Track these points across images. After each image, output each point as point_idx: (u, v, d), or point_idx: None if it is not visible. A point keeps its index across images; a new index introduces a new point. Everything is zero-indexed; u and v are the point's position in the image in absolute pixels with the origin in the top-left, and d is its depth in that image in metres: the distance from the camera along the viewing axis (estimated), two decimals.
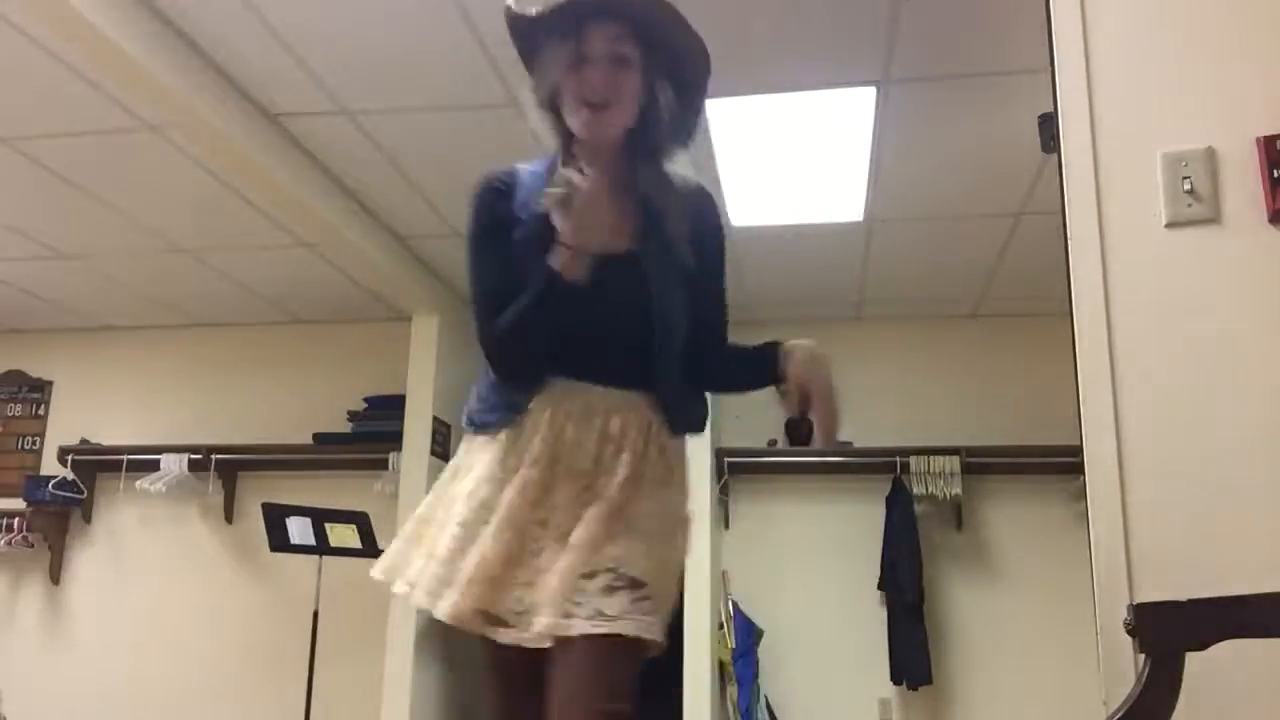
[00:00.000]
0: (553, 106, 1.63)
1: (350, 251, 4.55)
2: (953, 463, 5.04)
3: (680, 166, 1.72)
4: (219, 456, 5.51)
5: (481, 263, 1.64)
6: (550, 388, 1.58)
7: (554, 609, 1.45)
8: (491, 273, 1.61)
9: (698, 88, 1.68)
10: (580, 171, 1.54)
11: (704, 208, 1.74)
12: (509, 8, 1.64)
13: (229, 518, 5.67)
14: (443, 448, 5.08)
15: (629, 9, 1.60)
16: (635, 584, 1.47)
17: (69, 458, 5.66)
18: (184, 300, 5.64)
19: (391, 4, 3.12)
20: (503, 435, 1.58)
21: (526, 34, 1.64)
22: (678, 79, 1.64)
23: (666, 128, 1.63)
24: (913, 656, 4.90)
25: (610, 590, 1.45)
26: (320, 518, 4.59)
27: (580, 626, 1.42)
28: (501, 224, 1.62)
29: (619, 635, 1.43)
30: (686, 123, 1.69)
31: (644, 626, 1.45)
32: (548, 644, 1.45)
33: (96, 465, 5.76)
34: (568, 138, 1.63)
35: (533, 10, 1.61)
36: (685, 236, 1.64)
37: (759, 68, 3.37)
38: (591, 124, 1.59)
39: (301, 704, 4.48)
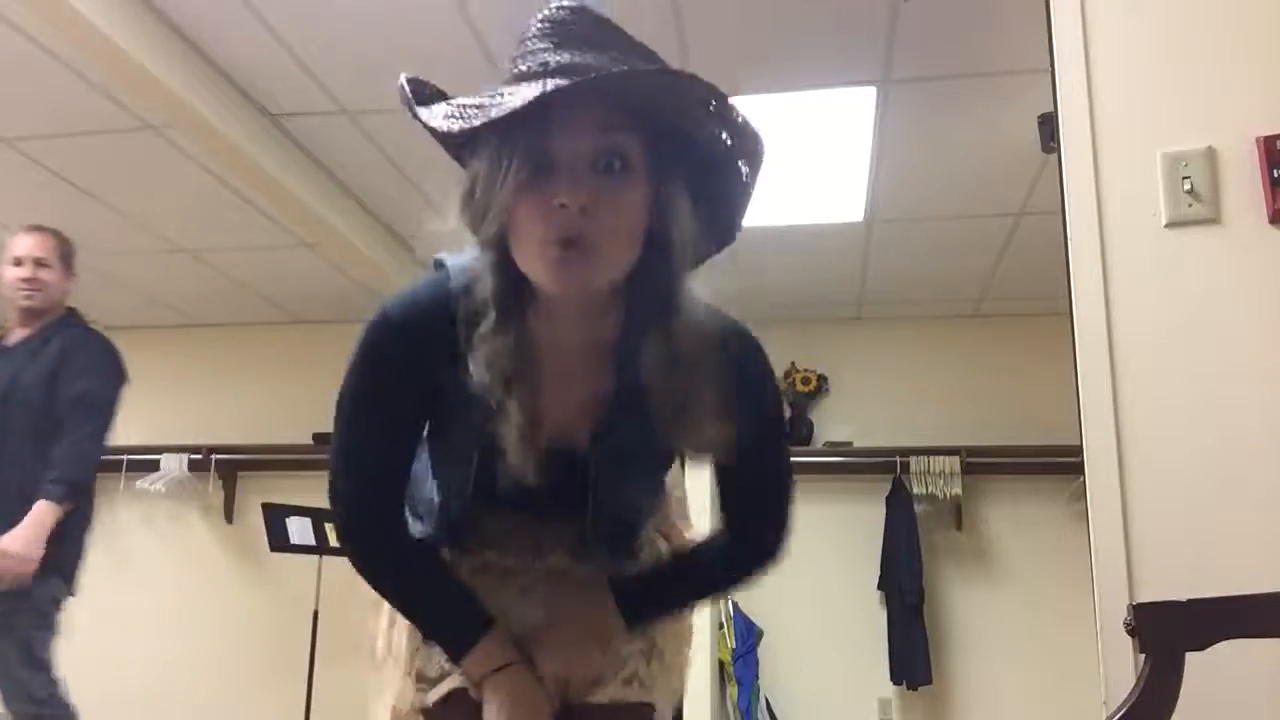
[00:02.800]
0: (498, 243, 1.05)
1: (350, 251, 4.55)
2: (953, 463, 5.03)
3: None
4: (219, 456, 5.51)
5: (366, 425, 1.16)
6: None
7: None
8: (376, 439, 1.16)
9: (739, 191, 1.11)
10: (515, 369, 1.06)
11: (745, 365, 1.17)
12: (428, 125, 1.05)
13: (229, 518, 5.66)
14: None
15: (629, 85, 1.01)
16: (657, 651, 1.28)
17: None
18: (184, 300, 5.64)
19: (392, 4, 3.12)
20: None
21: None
22: (703, 180, 1.08)
23: (681, 261, 1.06)
24: (913, 656, 4.90)
25: (644, 653, 1.26)
26: (320, 518, 4.58)
27: (612, 692, 1.21)
28: (407, 389, 1.14)
29: (650, 706, 1.24)
30: (717, 232, 1.12)
31: (670, 698, 1.28)
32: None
33: (96, 465, 5.74)
34: (515, 285, 1.06)
35: (460, 125, 1.01)
36: (712, 415, 1.09)
37: (759, 67, 3.37)
38: (563, 272, 1.01)
39: (301, 704, 4.48)
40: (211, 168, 4.08)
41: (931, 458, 5.06)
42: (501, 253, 1.05)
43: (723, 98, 1.03)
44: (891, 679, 4.96)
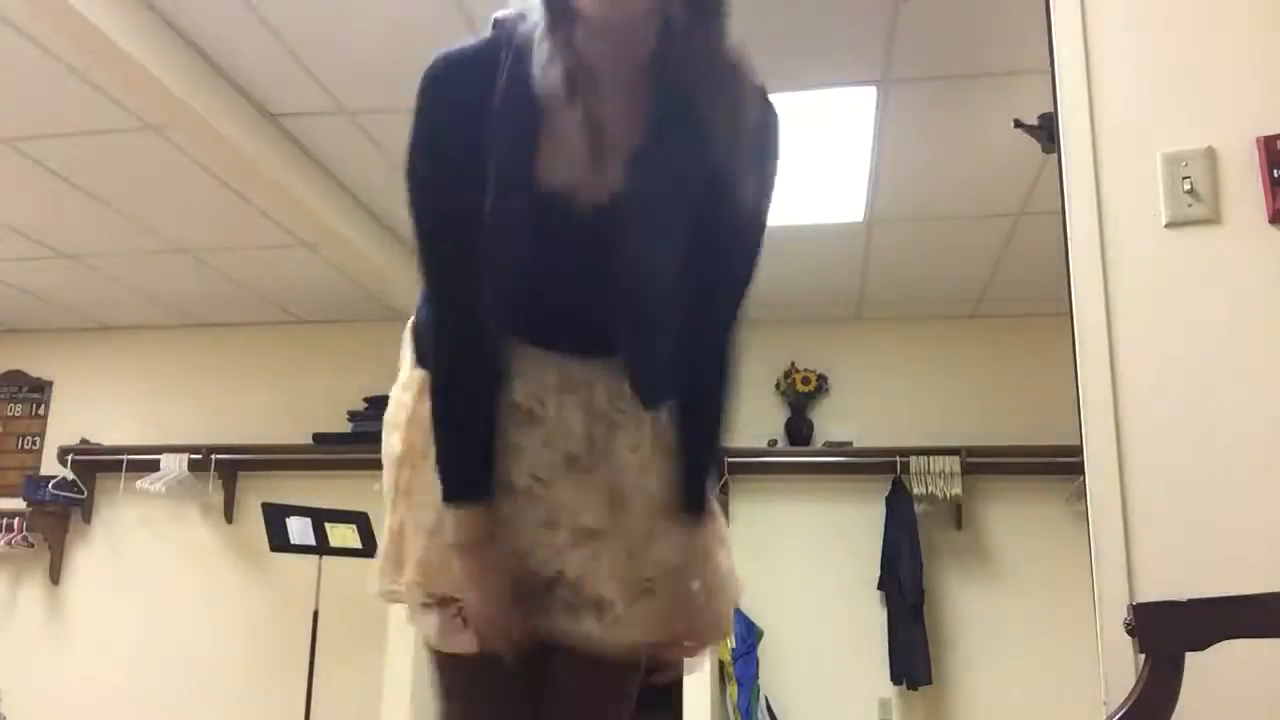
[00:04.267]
0: None
1: (350, 251, 4.55)
2: (953, 463, 5.03)
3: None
4: (219, 456, 5.51)
5: (434, 186, 1.25)
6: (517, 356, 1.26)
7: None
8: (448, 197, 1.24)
9: None
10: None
11: (764, 120, 1.32)
12: None
13: (229, 518, 5.66)
14: None
15: None
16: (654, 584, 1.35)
17: (69, 458, 5.66)
18: (184, 300, 5.63)
19: (392, 3, 3.12)
20: None
21: None
22: None
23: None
24: (913, 656, 4.90)
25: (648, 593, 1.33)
26: (320, 518, 4.59)
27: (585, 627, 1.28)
28: (468, 128, 1.21)
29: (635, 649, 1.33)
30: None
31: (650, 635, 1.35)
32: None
33: (96, 465, 5.75)
34: (563, 11, 1.20)
35: None
36: (723, 156, 1.24)
37: (759, 67, 3.37)
38: None
39: (301, 704, 4.48)
40: (211, 168, 4.07)
41: (931, 458, 5.06)
42: None
43: None
44: (891, 679, 4.96)
